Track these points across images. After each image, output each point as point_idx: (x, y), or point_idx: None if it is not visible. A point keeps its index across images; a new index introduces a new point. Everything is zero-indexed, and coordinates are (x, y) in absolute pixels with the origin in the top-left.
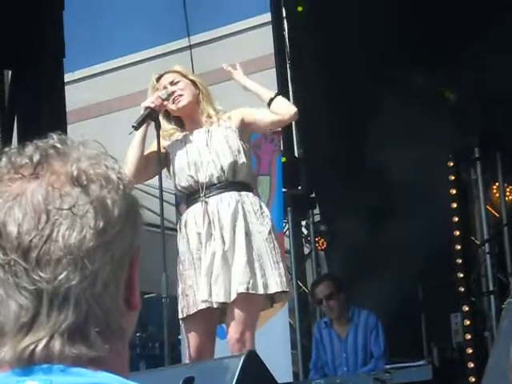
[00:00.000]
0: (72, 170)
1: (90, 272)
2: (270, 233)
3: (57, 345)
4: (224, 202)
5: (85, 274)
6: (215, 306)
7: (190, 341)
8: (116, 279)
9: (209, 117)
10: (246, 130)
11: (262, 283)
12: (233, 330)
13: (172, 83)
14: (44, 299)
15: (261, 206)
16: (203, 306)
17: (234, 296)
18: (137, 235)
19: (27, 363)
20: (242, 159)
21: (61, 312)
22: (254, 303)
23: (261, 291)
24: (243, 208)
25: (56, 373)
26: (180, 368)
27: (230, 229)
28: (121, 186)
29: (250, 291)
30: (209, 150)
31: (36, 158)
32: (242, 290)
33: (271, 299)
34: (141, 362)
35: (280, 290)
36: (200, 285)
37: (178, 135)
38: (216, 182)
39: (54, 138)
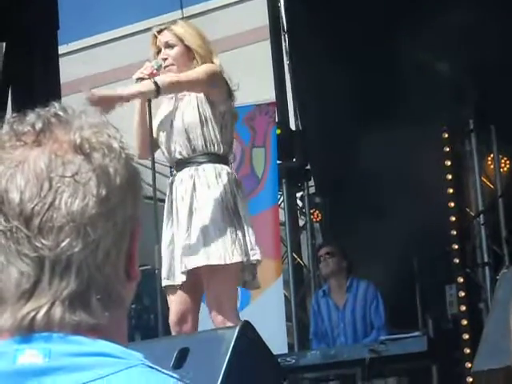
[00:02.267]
0: (75, 138)
1: (92, 240)
2: (222, 201)
3: (58, 312)
4: (179, 179)
5: (87, 242)
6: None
7: (170, 308)
8: (117, 248)
9: None
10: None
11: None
12: (210, 305)
13: (167, 45)
14: (46, 266)
15: (218, 176)
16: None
17: (180, 278)
18: (138, 206)
19: (27, 331)
20: (198, 130)
21: (62, 279)
22: (213, 274)
23: (203, 263)
24: (194, 184)
25: (56, 341)
26: (175, 339)
27: (182, 207)
28: (123, 155)
29: (196, 266)
30: (174, 124)
31: (38, 125)
32: (188, 267)
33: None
34: (136, 334)
35: (222, 263)
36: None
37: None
38: (179, 157)
39: (55, 107)
